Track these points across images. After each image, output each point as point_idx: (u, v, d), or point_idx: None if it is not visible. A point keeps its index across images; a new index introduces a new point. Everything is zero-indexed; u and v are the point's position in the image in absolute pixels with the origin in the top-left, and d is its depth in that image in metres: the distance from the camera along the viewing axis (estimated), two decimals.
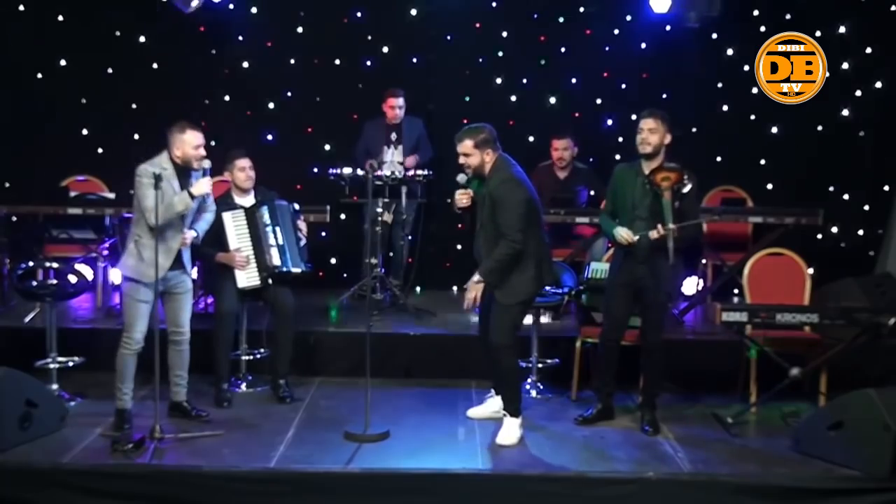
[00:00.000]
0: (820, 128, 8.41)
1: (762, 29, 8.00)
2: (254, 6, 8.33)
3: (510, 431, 5.39)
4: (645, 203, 5.48)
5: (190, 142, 5.46)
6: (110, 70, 8.39)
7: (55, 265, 6.36)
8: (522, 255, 5.29)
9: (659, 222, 5.36)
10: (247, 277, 6.14)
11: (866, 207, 8.48)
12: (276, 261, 6.18)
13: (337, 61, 8.41)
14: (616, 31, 8.38)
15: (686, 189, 5.42)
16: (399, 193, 7.37)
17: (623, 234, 5.46)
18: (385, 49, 8.44)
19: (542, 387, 6.32)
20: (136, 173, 5.43)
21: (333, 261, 8.43)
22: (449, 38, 8.39)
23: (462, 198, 5.47)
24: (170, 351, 5.60)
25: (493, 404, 5.78)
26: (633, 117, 5.63)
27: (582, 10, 8.39)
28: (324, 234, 8.13)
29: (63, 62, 8.39)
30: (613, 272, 5.66)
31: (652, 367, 5.65)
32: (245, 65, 8.39)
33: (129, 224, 5.78)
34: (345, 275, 8.05)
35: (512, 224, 5.23)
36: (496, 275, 5.30)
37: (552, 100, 8.45)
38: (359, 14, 8.37)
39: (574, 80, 8.38)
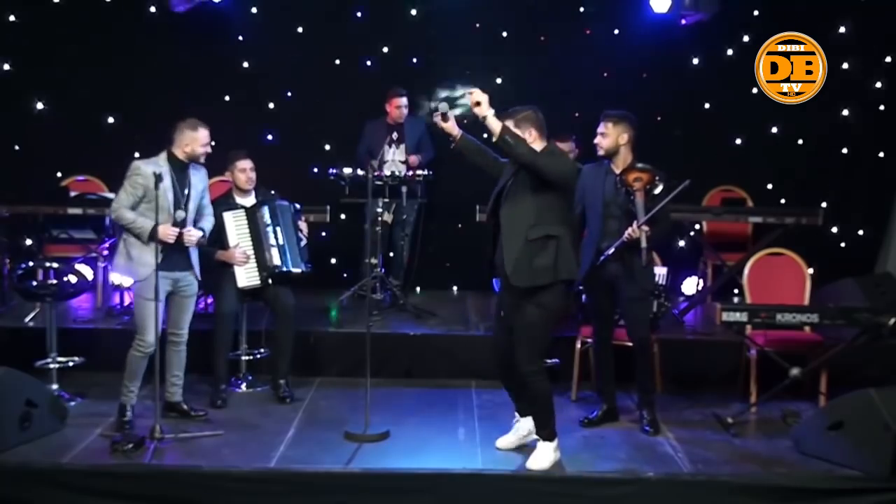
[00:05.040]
0: (820, 128, 8.42)
1: (762, 29, 8.00)
2: (254, 6, 8.34)
3: (544, 456, 5.07)
4: (617, 202, 5.53)
5: (201, 140, 5.57)
6: (110, 70, 8.39)
7: (55, 265, 6.35)
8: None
9: (631, 222, 5.39)
10: (247, 277, 6.15)
11: (866, 207, 8.49)
12: (277, 261, 6.18)
13: (337, 61, 8.42)
14: (616, 31, 8.38)
15: (657, 190, 5.45)
16: (399, 193, 7.36)
17: None
18: (385, 49, 8.44)
19: None
20: (130, 168, 5.49)
21: (334, 261, 8.44)
22: (449, 38, 8.39)
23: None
24: (168, 351, 5.60)
25: (521, 428, 5.33)
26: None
27: (582, 10, 8.40)
28: (324, 234, 8.13)
29: (63, 62, 8.39)
30: (584, 270, 5.59)
31: (642, 365, 5.64)
32: (245, 65, 8.40)
33: None
34: (345, 275, 8.05)
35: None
36: (511, 140, 4.74)
37: (552, 100, 8.44)
38: (359, 14, 8.38)
39: (574, 80, 8.39)
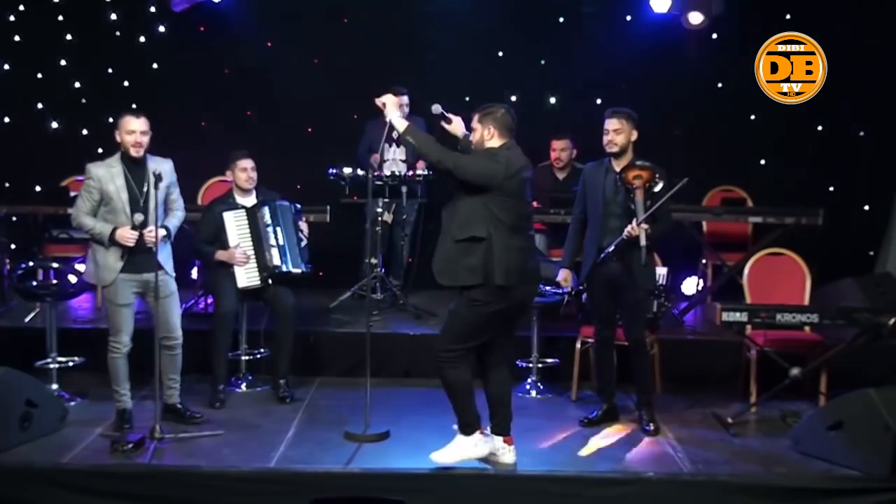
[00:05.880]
0: (820, 128, 8.42)
1: (762, 29, 8.00)
2: (254, 6, 8.34)
3: (453, 450, 4.90)
4: (617, 200, 5.51)
5: (123, 127, 5.37)
6: (110, 70, 8.40)
7: (55, 265, 6.36)
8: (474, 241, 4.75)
9: (631, 220, 5.37)
10: (247, 277, 6.14)
11: (866, 207, 8.49)
12: (277, 261, 6.18)
13: (337, 61, 8.42)
14: (616, 31, 8.38)
15: (658, 188, 5.42)
16: (399, 193, 7.36)
17: (561, 279, 5.77)
18: (385, 49, 8.44)
19: (542, 387, 6.33)
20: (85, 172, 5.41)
21: (333, 261, 8.43)
22: (449, 38, 8.39)
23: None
24: (162, 355, 5.49)
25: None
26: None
27: (582, 10, 8.40)
28: (324, 234, 8.12)
29: (63, 62, 8.39)
30: (586, 270, 5.62)
31: (639, 366, 5.64)
32: (245, 65, 8.39)
33: None
34: (345, 275, 8.05)
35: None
36: (413, 140, 4.83)
37: (552, 100, 8.45)
38: (359, 14, 8.38)
39: (574, 80, 8.39)
